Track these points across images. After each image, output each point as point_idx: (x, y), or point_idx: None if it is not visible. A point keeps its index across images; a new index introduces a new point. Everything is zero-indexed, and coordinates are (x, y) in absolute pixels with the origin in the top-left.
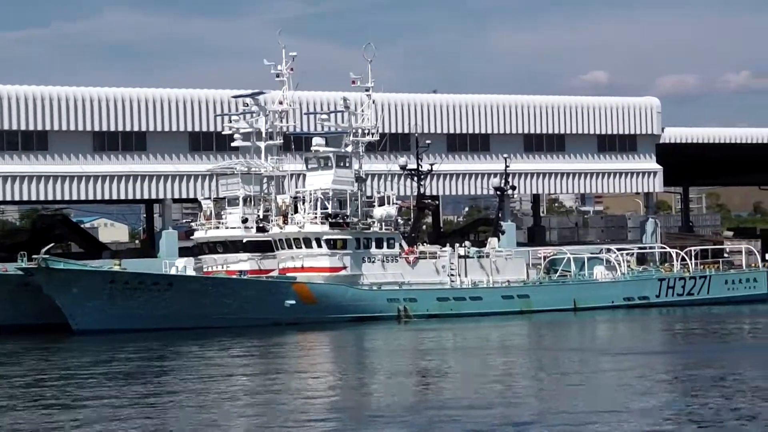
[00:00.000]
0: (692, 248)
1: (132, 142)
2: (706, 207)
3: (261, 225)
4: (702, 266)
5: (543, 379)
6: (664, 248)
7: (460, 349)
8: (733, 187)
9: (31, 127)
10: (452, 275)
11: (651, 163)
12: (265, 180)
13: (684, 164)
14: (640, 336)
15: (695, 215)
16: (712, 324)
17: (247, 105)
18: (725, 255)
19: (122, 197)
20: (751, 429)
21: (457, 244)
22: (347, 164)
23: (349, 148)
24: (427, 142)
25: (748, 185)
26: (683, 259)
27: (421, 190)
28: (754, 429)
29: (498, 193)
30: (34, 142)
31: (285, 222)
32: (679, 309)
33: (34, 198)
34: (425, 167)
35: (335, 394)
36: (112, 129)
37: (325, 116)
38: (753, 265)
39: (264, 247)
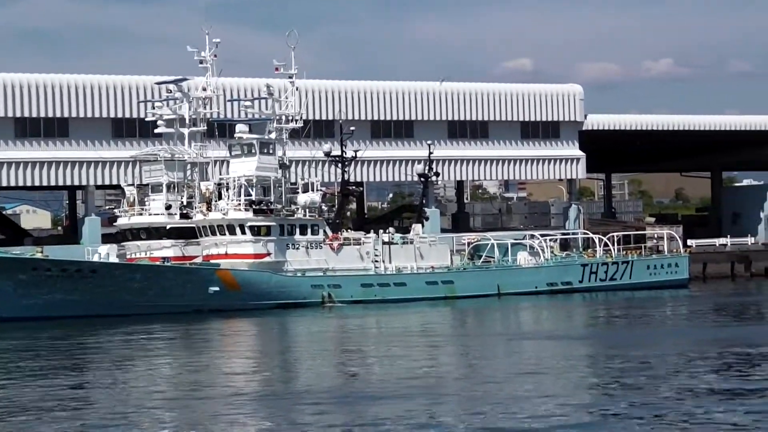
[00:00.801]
0: (615, 234)
1: (54, 128)
2: (628, 193)
3: (185, 211)
4: (624, 252)
5: (466, 365)
6: (587, 234)
7: (383, 335)
8: (655, 173)
9: None
10: (376, 261)
11: (574, 150)
12: (188, 166)
13: (606, 151)
14: (563, 321)
15: (618, 201)
16: (634, 309)
17: (171, 91)
18: (647, 241)
19: (45, 184)
20: (670, 411)
21: (382, 231)
22: (271, 151)
23: (273, 135)
24: (351, 128)
25: (670, 172)
26: (606, 244)
27: (346, 177)
28: (674, 410)
29: (422, 179)
30: None
31: (209, 209)
32: (602, 294)
33: None
34: (349, 154)
35: (257, 380)
36: (34, 115)
37: (248, 103)
38: (675, 250)
39: (187, 234)
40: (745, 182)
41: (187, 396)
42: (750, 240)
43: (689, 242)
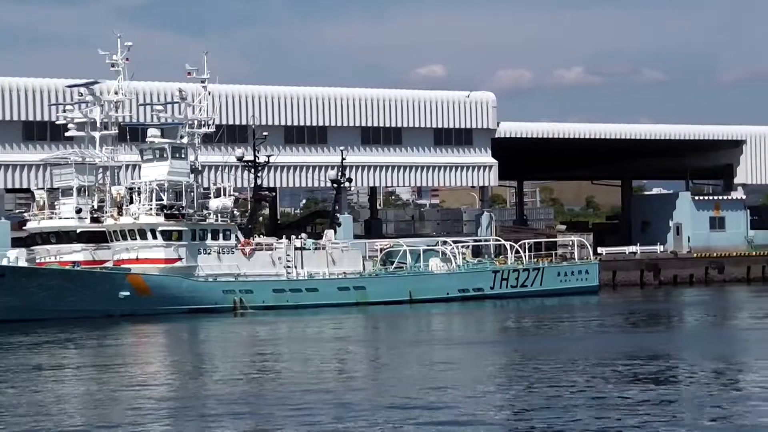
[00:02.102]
0: (526, 241)
1: None
2: (540, 201)
3: (95, 216)
4: (535, 259)
5: (377, 370)
6: (499, 241)
7: (294, 341)
8: (567, 181)
9: None
10: (288, 267)
11: (486, 157)
12: (99, 170)
13: (519, 158)
14: (474, 327)
15: (529, 209)
16: (545, 316)
17: (82, 95)
18: (558, 248)
19: None
20: (580, 415)
21: (294, 236)
22: (183, 155)
23: (185, 140)
24: (264, 133)
25: (581, 180)
26: (517, 251)
27: (258, 182)
28: (583, 415)
29: (335, 185)
30: None
31: (120, 213)
32: (513, 301)
33: None
34: (262, 159)
35: (165, 386)
36: None
37: (160, 107)
38: (585, 258)
39: (98, 238)
40: (655, 191)
41: (87, 404)
42: (659, 248)
43: (599, 250)
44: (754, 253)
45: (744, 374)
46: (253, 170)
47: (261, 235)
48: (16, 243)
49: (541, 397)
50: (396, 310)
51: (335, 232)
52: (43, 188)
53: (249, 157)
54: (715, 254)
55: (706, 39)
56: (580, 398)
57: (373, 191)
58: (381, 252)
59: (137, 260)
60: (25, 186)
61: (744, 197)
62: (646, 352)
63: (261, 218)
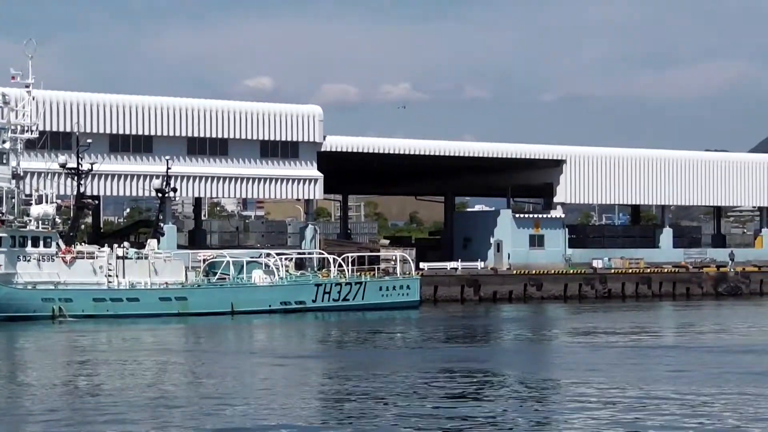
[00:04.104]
0: (350, 255)
1: None
2: (364, 215)
3: None
4: (358, 273)
5: (195, 382)
6: (323, 254)
7: (111, 351)
8: (391, 196)
9: None
10: (110, 276)
11: (312, 170)
12: None
13: (344, 172)
14: (295, 340)
15: (354, 223)
16: (365, 329)
17: None
18: (381, 262)
19: None
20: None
21: (116, 245)
22: (4, 161)
23: (7, 145)
24: (88, 141)
25: (406, 195)
26: (340, 265)
27: (81, 190)
28: (409, 427)
29: (159, 195)
30: None
31: None
32: (335, 314)
33: None
34: (86, 167)
35: None
36: None
37: None
38: (407, 273)
39: None
40: (477, 208)
41: None
42: (480, 264)
43: (422, 265)
44: (571, 271)
45: (555, 389)
46: (76, 178)
47: (83, 244)
48: None
49: (357, 411)
50: (217, 322)
51: (158, 241)
52: None
53: (72, 164)
54: (534, 271)
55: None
56: (392, 411)
57: (197, 202)
58: (204, 263)
59: None
60: None
61: (563, 216)
62: (461, 365)
63: (83, 226)
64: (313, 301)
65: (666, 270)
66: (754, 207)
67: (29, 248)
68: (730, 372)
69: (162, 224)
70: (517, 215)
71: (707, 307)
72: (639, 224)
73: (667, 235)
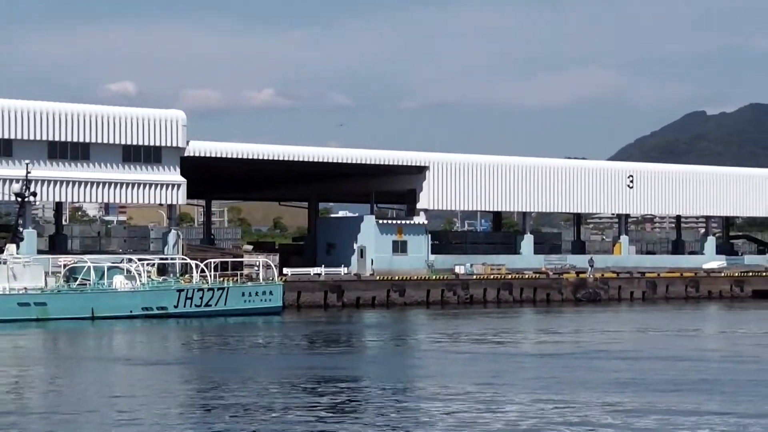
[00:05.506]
0: (212, 260)
1: None
2: (228, 221)
3: None
4: (221, 278)
5: (52, 389)
6: (185, 260)
7: None
8: (255, 201)
9: None
10: None
11: (175, 176)
12: None
13: (207, 178)
14: (156, 346)
15: (217, 228)
16: (227, 335)
17: None
18: (245, 268)
19: None
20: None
21: None
22: None
23: None
24: None
25: (269, 201)
26: (203, 270)
27: None
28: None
29: (18, 199)
30: None
31: None
32: (197, 320)
33: None
34: None
35: None
36: None
37: None
38: (270, 278)
39: None
40: (341, 213)
41: None
42: (343, 270)
43: (285, 271)
44: (434, 277)
45: (418, 395)
46: None
47: None
48: None
49: (217, 418)
50: (77, 327)
51: (18, 246)
52: None
53: None
54: (397, 277)
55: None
56: (252, 418)
57: (58, 206)
58: (65, 268)
59: None
60: None
61: (426, 222)
62: (321, 373)
63: None
64: (175, 307)
65: (527, 276)
66: (613, 214)
67: None
68: (588, 379)
69: (21, 229)
70: (380, 221)
71: (565, 314)
72: (501, 231)
73: (528, 242)
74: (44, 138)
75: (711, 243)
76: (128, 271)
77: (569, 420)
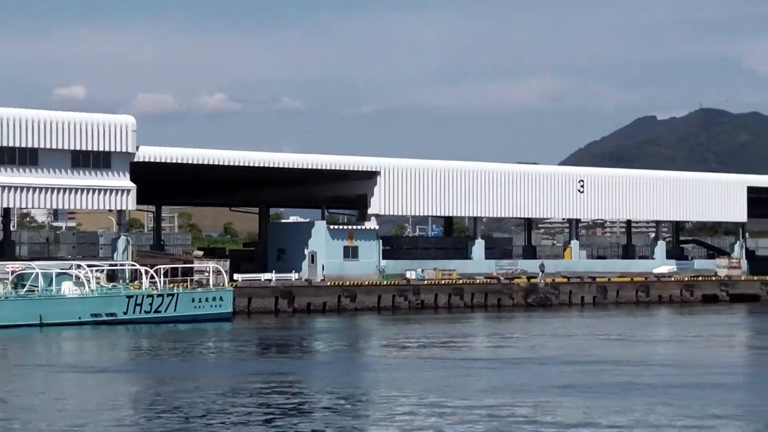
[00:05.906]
0: (162, 266)
1: None
2: (178, 226)
3: None
4: (171, 284)
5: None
6: (135, 265)
7: None
8: (206, 207)
9: None
10: None
11: (125, 181)
12: None
13: (158, 183)
14: (105, 353)
15: (167, 234)
16: (177, 342)
17: None
18: (195, 274)
19: None
20: None
21: None
22: None
23: None
24: None
25: (220, 206)
26: (153, 276)
27: None
28: None
29: None
30: None
31: None
32: (146, 326)
33: None
34: None
35: None
36: None
37: None
38: (220, 284)
39: None
40: (292, 219)
41: None
42: (294, 276)
43: (236, 276)
44: (385, 282)
45: (367, 399)
46: None
47: None
48: None
49: (166, 427)
50: (25, 334)
51: None
52: None
53: None
54: (348, 283)
55: (344, 71)
56: (201, 425)
57: (6, 212)
58: (12, 274)
59: None
60: None
61: (377, 227)
62: (270, 378)
63: None
64: (125, 313)
65: (478, 281)
66: (564, 219)
67: None
68: (533, 384)
69: None
70: (331, 226)
71: (516, 319)
72: (452, 236)
73: (479, 247)
74: None
75: (661, 247)
76: (77, 278)
77: (517, 423)
